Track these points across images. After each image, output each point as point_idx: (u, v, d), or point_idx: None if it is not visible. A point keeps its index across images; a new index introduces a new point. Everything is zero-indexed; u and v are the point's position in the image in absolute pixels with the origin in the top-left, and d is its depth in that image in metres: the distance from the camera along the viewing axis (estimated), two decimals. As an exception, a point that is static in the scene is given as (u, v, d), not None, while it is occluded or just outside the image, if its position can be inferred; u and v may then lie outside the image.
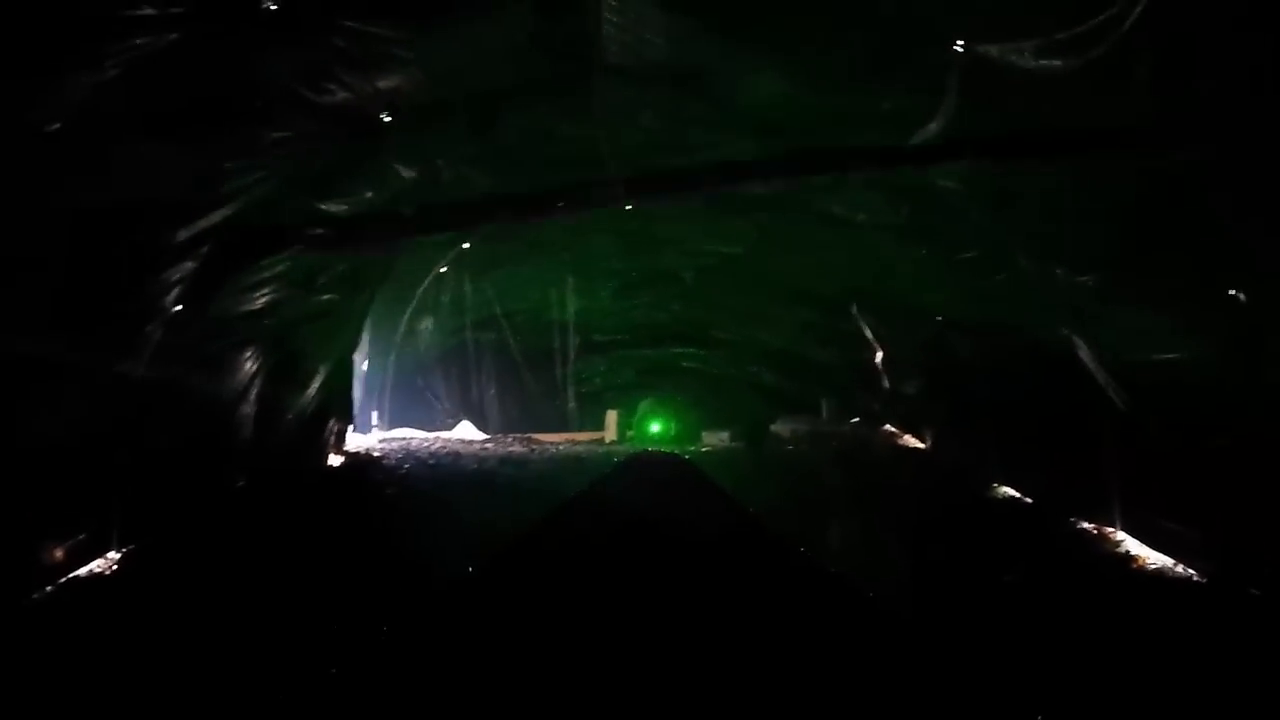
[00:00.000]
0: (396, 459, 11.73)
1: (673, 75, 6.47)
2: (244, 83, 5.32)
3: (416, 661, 4.86)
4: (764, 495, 9.13)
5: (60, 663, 4.68)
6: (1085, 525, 7.30)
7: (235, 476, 8.02)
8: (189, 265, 6.11)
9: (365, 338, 12.20)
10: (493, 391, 14.84)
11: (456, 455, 12.42)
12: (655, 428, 14.93)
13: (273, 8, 4.74)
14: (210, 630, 5.15)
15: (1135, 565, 6.40)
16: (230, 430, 7.83)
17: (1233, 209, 4.92)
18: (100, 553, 6.19)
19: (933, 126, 6.31)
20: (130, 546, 6.39)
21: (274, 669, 4.64)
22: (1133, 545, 6.69)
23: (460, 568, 6.44)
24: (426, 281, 12.75)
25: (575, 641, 5.03)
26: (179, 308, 6.24)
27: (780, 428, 14.33)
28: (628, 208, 9.62)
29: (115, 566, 6.16)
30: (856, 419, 14.35)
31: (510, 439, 14.24)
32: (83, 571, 5.96)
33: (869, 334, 12.16)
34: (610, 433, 14.79)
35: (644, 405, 15.12)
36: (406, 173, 7.72)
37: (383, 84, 6.06)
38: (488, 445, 13.67)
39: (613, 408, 15.04)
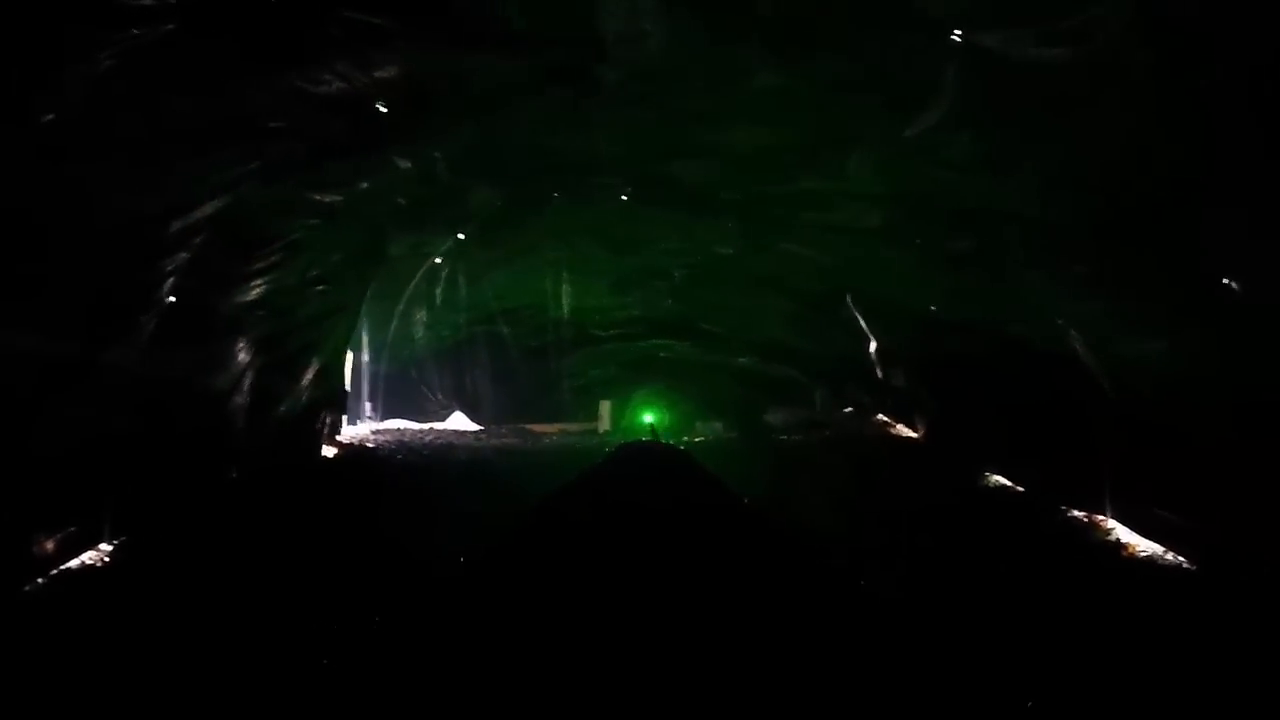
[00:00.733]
0: (390, 450, 11.72)
1: (670, 65, 6.45)
2: (240, 74, 5.29)
3: (407, 650, 4.87)
4: (756, 483, 9.16)
5: (53, 655, 4.67)
6: (1076, 513, 7.35)
7: (228, 468, 8.01)
8: (182, 256, 6.08)
9: (359, 329, 12.17)
10: (486, 382, 14.83)
11: (450, 446, 12.41)
12: (649, 418, 14.95)
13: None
14: (202, 622, 5.15)
15: (1125, 552, 6.45)
16: (223, 422, 7.81)
17: (1225, 201, 4.94)
18: (92, 545, 6.17)
19: (929, 116, 6.31)
20: (122, 538, 6.38)
21: (266, 660, 4.65)
22: (1123, 533, 6.74)
23: (452, 559, 6.44)
24: (420, 273, 12.72)
25: (565, 634, 5.05)
26: (172, 299, 6.22)
27: (773, 418, 14.36)
28: (623, 198, 9.62)
29: (107, 559, 6.14)
30: (849, 409, 14.39)
31: (503, 429, 14.23)
32: (75, 563, 5.94)
33: (862, 325, 12.18)
34: (604, 423, 14.80)
35: (637, 396, 15.14)
36: (402, 163, 7.70)
37: (379, 74, 6.03)
38: (481, 436, 13.67)
39: (606, 398, 15.04)
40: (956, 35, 5.33)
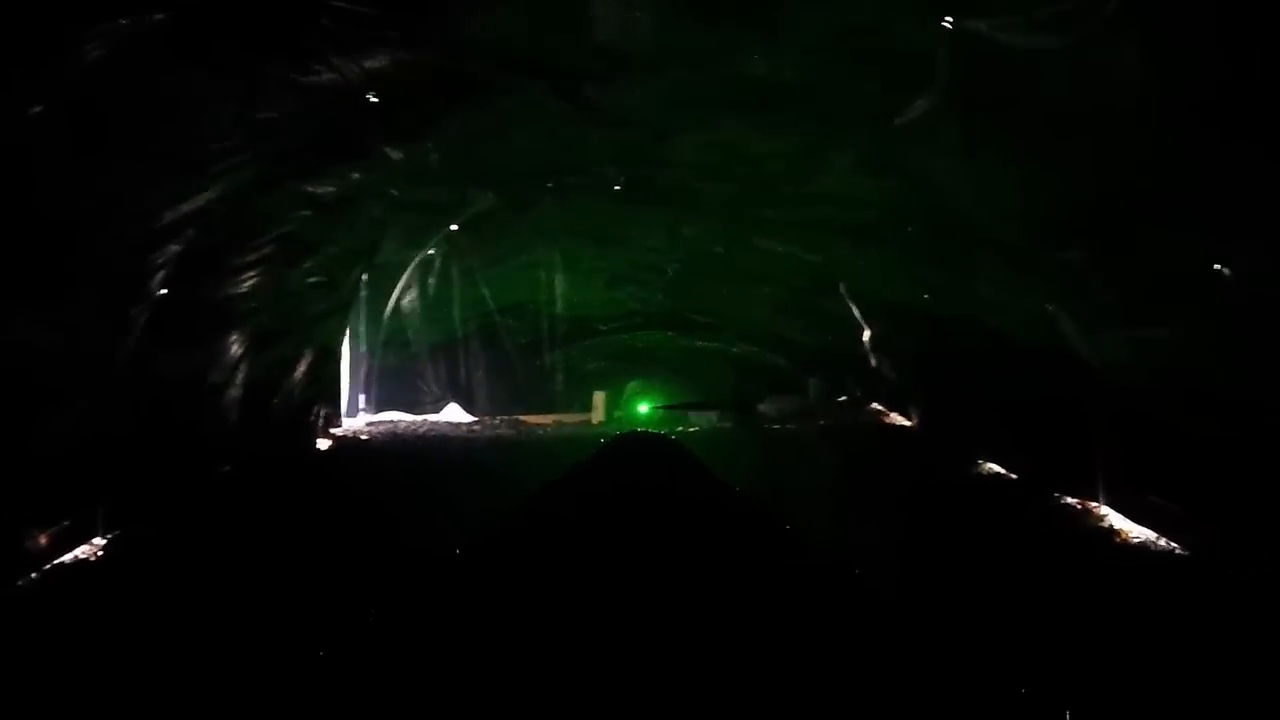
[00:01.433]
0: (384, 442, 11.72)
1: (663, 53, 6.44)
2: (230, 63, 5.26)
3: (403, 643, 4.88)
4: (750, 471, 9.18)
5: (46, 651, 4.67)
6: (1069, 500, 7.38)
7: (221, 461, 7.99)
8: (174, 248, 6.06)
9: (352, 321, 12.15)
10: (480, 373, 14.81)
11: (444, 438, 12.41)
12: (643, 409, 14.96)
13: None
14: (197, 616, 5.15)
15: (1118, 539, 6.47)
16: (216, 415, 7.80)
17: (1218, 189, 4.94)
18: (85, 539, 6.16)
19: (919, 104, 6.31)
20: (116, 533, 6.37)
21: (261, 654, 4.64)
22: (1116, 519, 6.76)
23: (445, 551, 6.45)
24: (413, 264, 12.70)
25: (558, 622, 5.06)
26: (164, 291, 6.19)
27: (767, 407, 14.38)
28: (615, 188, 9.61)
29: (101, 553, 6.13)
30: (843, 398, 14.42)
31: (498, 421, 14.23)
32: (68, 558, 5.93)
33: (856, 314, 12.19)
34: (598, 414, 14.80)
35: (631, 386, 15.15)
36: (394, 154, 7.67)
37: (370, 64, 6.01)
38: (475, 428, 13.67)
39: (600, 389, 15.04)
40: (947, 22, 5.33)
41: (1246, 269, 4.98)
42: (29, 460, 5.43)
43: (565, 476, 9.05)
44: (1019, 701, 4.08)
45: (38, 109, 4.35)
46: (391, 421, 13.70)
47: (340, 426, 11.98)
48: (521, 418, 14.41)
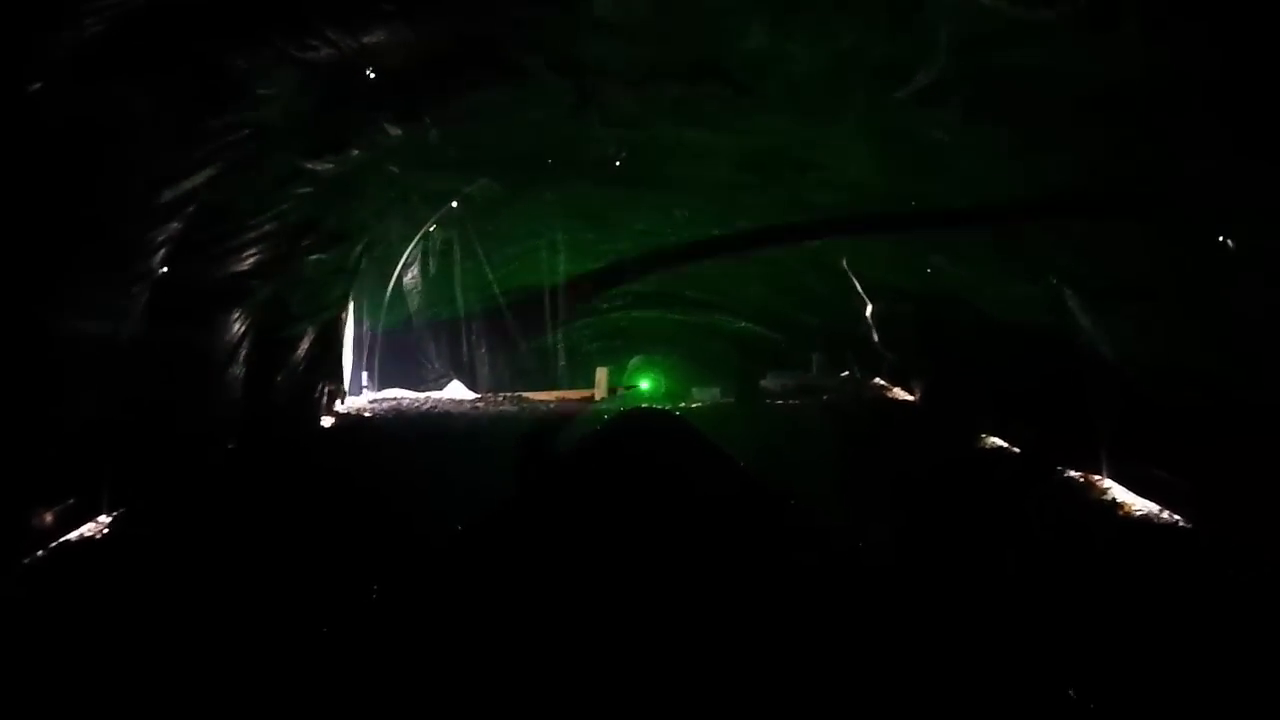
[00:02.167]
0: (387, 420, 11.72)
1: (661, 29, 6.38)
2: (227, 40, 5.22)
3: (405, 618, 4.90)
4: (753, 447, 9.18)
5: (54, 628, 4.70)
6: (1072, 473, 7.38)
7: (226, 438, 8.01)
8: (175, 226, 6.04)
9: (354, 298, 12.12)
10: (482, 350, 14.81)
11: (447, 415, 12.42)
12: (645, 385, 14.96)
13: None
14: (200, 593, 5.18)
15: (1121, 511, 6.48)
16: (220, 392, 7.80)
17: (1220, 163, 4.92)
18: (91, 517, 6.19)
19: (921, 77, 6.26)
20: (121, 510, 6.39)
21: (266, 630, 4.67)
22: (1119, 492, 6.77)
23: (448, 528, 6.47)
24: (415, 241, 12.66)
25: (559, 599, 5.08)
26: (165, 269, 6.18)
27: (770, 383, 14.36)
28: (616, 163, 9.56)
29: (106, 530, 6.16)
30: (846, 373, 14.41)
31: (500, 398, 14.24)
32: (74, 536, 5.96)
33: (859, 288, 12.16)
34: (600, 390, 14.80)
35: (634, 363, 15.14)
36: (393, 130, 7.63)
37: (368, 40, 5.96)
38: (478, 405, 13.67)
39: (603, 365, 15.04)
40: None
41: (1253, 242, 4.96)
42: (33, 439, 5.44)
43: (562, 455, 9.05)
44: (1024, 672, 4.10)
45: (35, 87, 4.33)
46: (394, 399, 13.70)
47: (344, 404, 11.99)
48: (524, 395, 14.41)
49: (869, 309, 12.42)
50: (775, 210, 10.92)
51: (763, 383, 14.39)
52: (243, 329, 7.81)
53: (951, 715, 3.84)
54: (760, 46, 6.51)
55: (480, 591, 5.26)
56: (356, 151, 7.79)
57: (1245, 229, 4.95)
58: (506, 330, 14.79)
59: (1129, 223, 6.03)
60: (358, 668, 4.30)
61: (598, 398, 14.62)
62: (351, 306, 12.01)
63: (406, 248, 12.66)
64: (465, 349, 14.79)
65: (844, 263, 11.88)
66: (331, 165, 7.69)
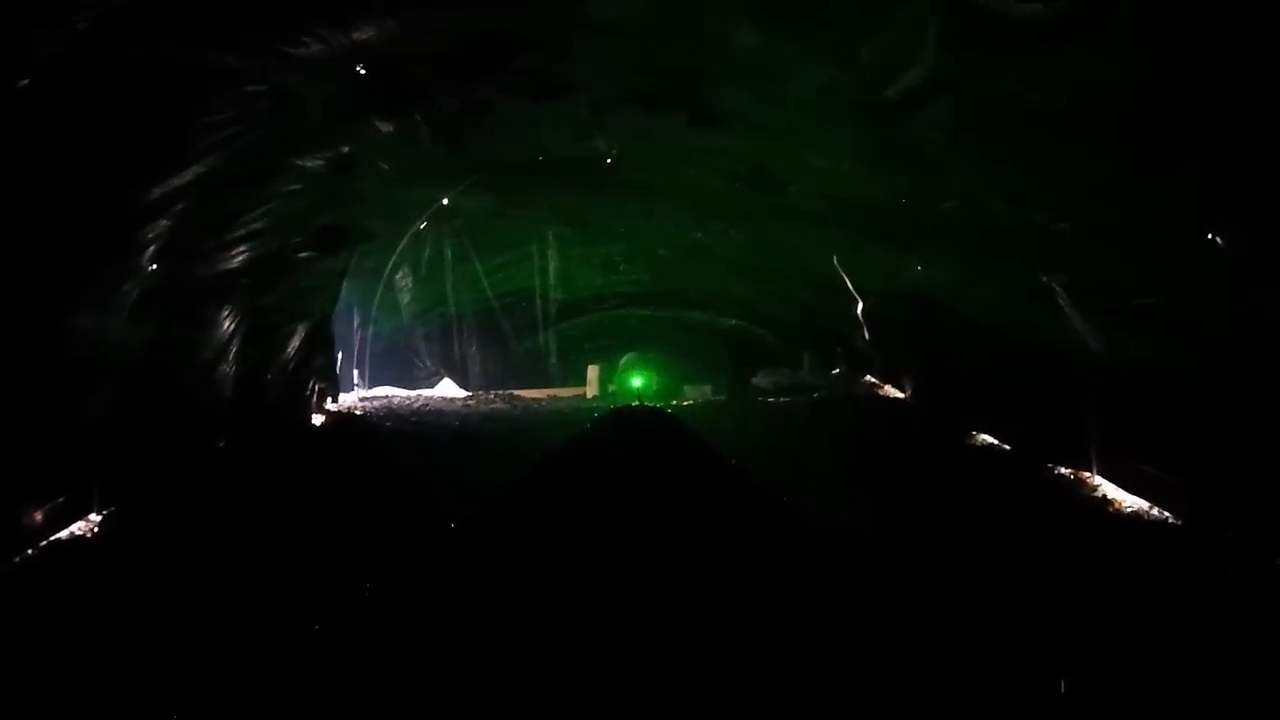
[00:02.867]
0: (379, 418, 11.71)
1: (654, 25, 6.38)
2: (215, 34, 5.20)
3: (396, 615, 4.90)
4: (744, 445, 9.19)
5: (44, 626, 4.68)
6: (1063, 470, 7.41)
7: (216, 437, 7.98)
8: (164, 223, 6.01)
9: (345, 296, 12.11)
10: (474, 349, 14.80)
11: (439, 413, 12.41)
12: (637, 382, 14.94)
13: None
14: (190, 591, 5.16)
15: (1111, 508, 6.51)
16: (210, 390, 7.78)
17: (1211, 158, 4.93)
18: (81, 515, 6.16)
19: (912, 73, 6.26)
20: (111, 509, 6.37)
21: (256, 628, 4.66)
22: (1109, 489, 6.80)
23: (441, 524, 6.46)
24: (406, 239, 12.65)
25: (555, 594, 5.08)
26: (155, 267, 6.16)
27: (761, 380, 14.38)
28: (608, 161, 9.56)
29: (96, 529, 6.14)
30: (837, 370, 14.43)
31: (492, 395, 14.24)
32: (64, 534, 5.94)
33: (850, 286, 12.18)
34: (592, 388, 14.80)
35: (625, 360, 15.12)
36: (384, 127, 7.61)
37: (358, 36, 5.94)
38: (469, 402, 13.67)
39: (594, 363, 15.04)
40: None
41: (1243, 239, 4.98)
42: (23, 437, 5.42)
43: (554, 453, 9.04)
44: (1014, 668, 4.11)
45: (23, 83, 4.30)
46: (386, 397, 13.70)
47: (335, 402, 11.97)
48: (516, 392, 14.41)
49: (859, 307, 12.44)
50: (766, 211, 10.95)
51: (754, 380, 14.40)
52: (233, 327, 7.79)
53: (944, 712, 3.85)
54: (752, 45, 6.52)
55: (474, 591, 5.26)
56: (347, 149, 7.77)
57: (1236, 228, 4.97)
58: (498, 328, 14.78)
59: (1119, 222, 6.04)
60: (348, 665, 4.29)
61: (589, 395, 14.61)
62: (342, 304, 12.00)
63: (398, 246, 12.64)
64: (457, 347, 14.78)
65: (834, 260, 11.89)
66: (322, 163, 7.67)
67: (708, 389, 14.34)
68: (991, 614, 4.76)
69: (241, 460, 7.98)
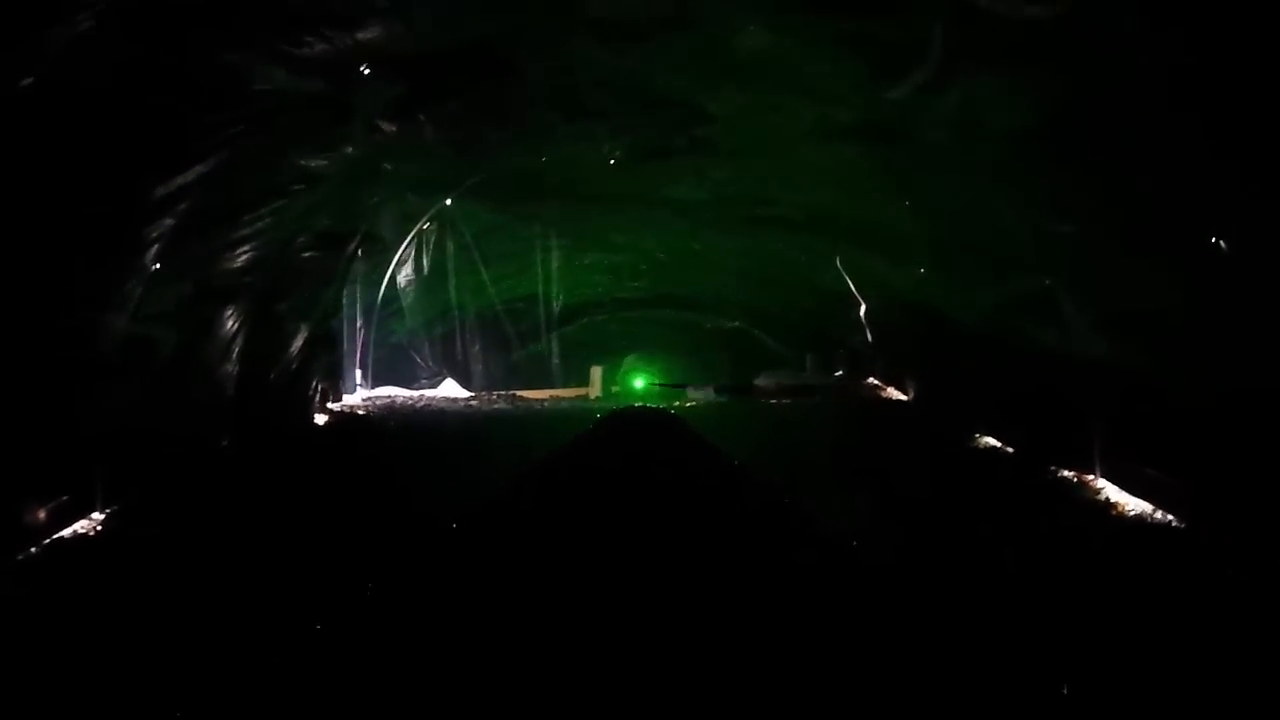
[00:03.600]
0: (382, 418, 11.72)
1: (654, 25, 6.39)
2: (221, 33, 5.21)
3: (401, 616, 4.90)
4: (747, 446, 9.19)
5: (47, 625, 4.68)
6: (1065, 473, 7.39)
7: (219, 435, 7.99)
8: (168, 222, 6.02)
9: (348, 296, 12.12)
10: (476, 349, 14.81)
11: (441, 413, 12.42)
12: (639, 384, 14.97)
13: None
14: (194, 590, 5.16)
15: (1114, 511, 6.49)
16: (213, 389, 7.78)
17: (1213, 156, 4.93)
18: (84, 514, 6.17)
19: (916, 74, 6.27)
20: (114, 507, 6.37)
21: (261, 627, 4.66)
22: (1112, 491, 6.78)
23: (441, 526, 6.46)
24: (409, 239, 12.66)
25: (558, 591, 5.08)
26: (159, 266, 6.17)
27: (764, 381, 14.39)
28: (611, 161, 9.58)
29: (99, 527, 6.14)
30: (839, 372, 14.44)
31: (494, 396, 14.24)
32: (66, 533, 5.94)
33: (852, 288, 12.19)
34: (595, 389, 14.81)
35: (628, 361, 15.16)
36: (389, 128, 7.62)
37: (362, 36, 5.96)
38: (472, 403, 13.67)
39: (597, 364, 15.04)
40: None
41: (1246, 240, 4.98)
42: (26, 436, 5.42)
43: (557, 454, 9.04)
44: (1016, 671, 4.11)
45: (27, 81, 4.31)
46: (388, 397, 13.69)
47: (338, 402, 11.98)
48: (518, 393, 14.41)
49: (862, 309, 12.45)
50: (759, 222, 11.01)
51: (756, 382, 14.41)
52: (236, 326, 7.79)
53: (944, 713, 3.85)
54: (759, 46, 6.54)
55: (474, 590, 5.26)
56: (351, 149, 7.78)
57: (1237, 229, 4.97)
58: (501, 328, 14.79)
59: (1121, 225, 6.04)
60: (350, 664, 4.29)
61: (591, 396, 14.62)
62: (346, 304, 12.02)
63: (401, 245, 12.66)
64: (459, 347, 14.79)
65: (837, 262, 11.91)
66: (326, 162, 7.68)
67: (710, 390, 14.35)
68: (991, 615, 4.75)
69: (244, 459, 7.98)
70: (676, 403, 13.60)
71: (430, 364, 14.74)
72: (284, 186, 7.42)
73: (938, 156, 7.46)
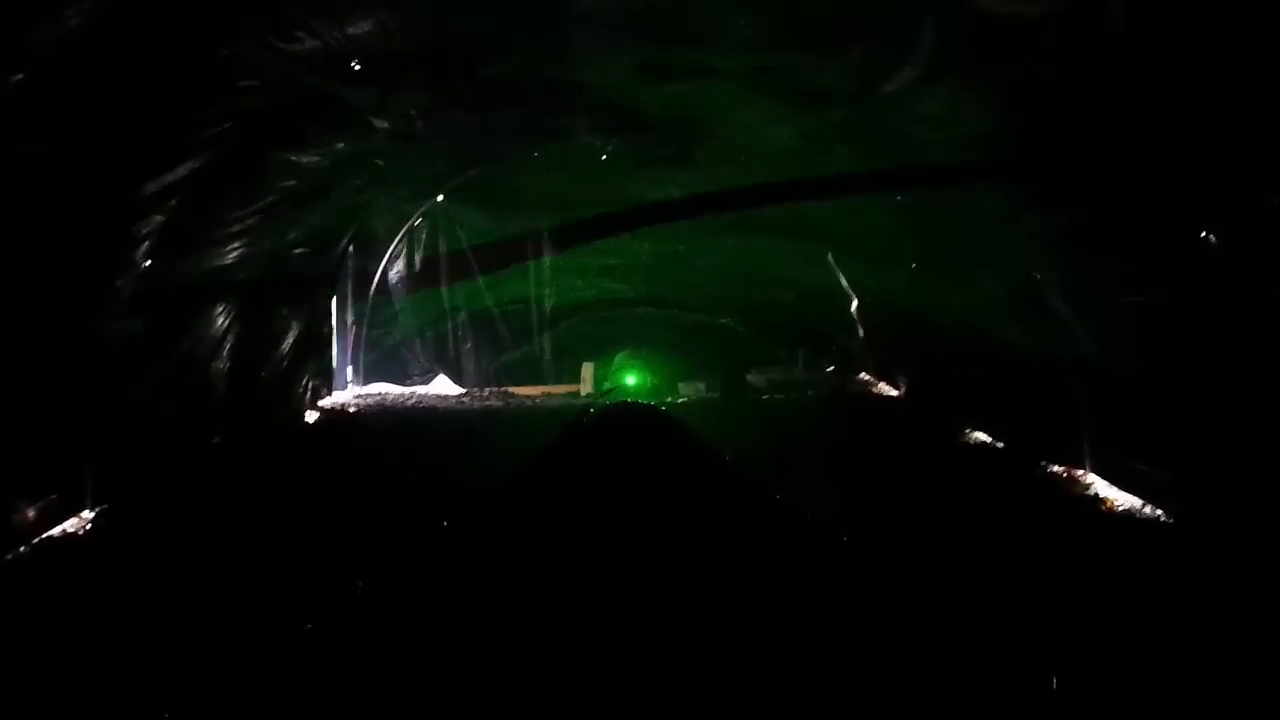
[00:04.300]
0: (373, 414, 11.69)
1: (649, 19, 6.38)
2: (210, 29, 5.19)
3: (393, 613, 4.90)
4: (739, 441, 9.20)
5: (35, 624, 4.67)
6: (1055, 468, 7.42)
7: (210, 433, 7.97)
8: (158, 219, 6.00)
9: (339, 292, 12.09)
10: (468, 345, 14.78)
11: (433, 409, 12.40)
12: (631, 380, 14.96)
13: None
14: (184, 589, 5.15)
15: (1104, 506, 6.53)
16: (203, 386, 7.76)
17: (1203, 155, 4.95)
18: (73, 512, 6.14)
19: (906, 72, 6.29)
20: (104, 506, 6.34)
21: (251, 626, 4.66)
22: (1102, 487, 6.81)
23: (435, 522, 6.46)
24: (400, 236, 12.63)
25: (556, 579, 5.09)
26: (149, 262, 6.14)
27: (755, 378, 14.40)
28: (603, 158, 9.57)
29: (89, 526, 6.11)
30: (831, 368, 14.45)
31: (486, 392, 14.21)
32: (55, 532, 5.91)
33: (844, 283, 12.20)
34: (586, 385, 14.79)
35: (620, 358, 15.14)
36: (379, 123, 7.60)
37: (353, 31, 5.94)
38: (464, 399, 13.65)
39: (588, 361, 15.03)
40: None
41: (1234, 236, 5.00)
42: (14, 434, 5.40)
43: (546, 450, 9.04)
44: (1004, 664, 4.13)
45: (16, 79, 4.29)
46: (380, 393, 13.65)
47: (329, 398, 11.94)
48: (510, 389, 14.39)
49: (853, 304, 12.46)
50: (738, 228, 11.03)
51: (748, 378, 14.41)
52: (226, 323, 7.77)
53: (934, 710, 3.86)
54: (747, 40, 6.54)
55: (467, 587, 5.26)
56: (341, 144, 7.76)
57: (1225, 224, 4.99)
58: (492, 325, 14.76)
59: (1109, 220, 6.06)
60: (341, 663, 4.29)
61: (583, 393, 14.61)
62: (336, 301, 11.98)
63: (392, 242, 12.62)
64: (451, 343, 14.76)
65: (829, 258, 11.92)
66: (316, 158, 7.66)
67: (701, 386, 14.35)
68: (980, 607, 4.77)
69: (235, 456, 7.96)
70: (668, 399, 13.60)
71: (422, 360, 14.71)
72: (274, 182, 7.40)
73: (925, 157, 7.48)
